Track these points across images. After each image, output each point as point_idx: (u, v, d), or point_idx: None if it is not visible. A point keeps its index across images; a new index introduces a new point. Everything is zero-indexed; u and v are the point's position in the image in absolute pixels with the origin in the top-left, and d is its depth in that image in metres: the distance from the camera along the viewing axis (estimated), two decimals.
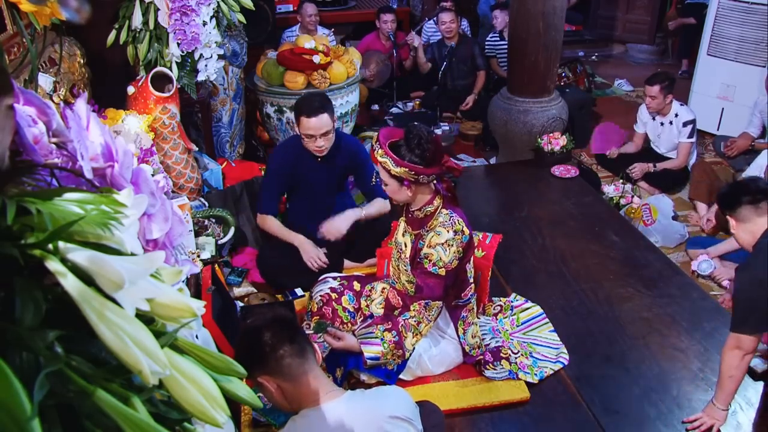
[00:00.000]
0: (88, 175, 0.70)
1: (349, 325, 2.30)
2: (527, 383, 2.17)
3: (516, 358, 2.23)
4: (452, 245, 1.97)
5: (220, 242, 2.73)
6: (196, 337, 0.78)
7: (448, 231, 1.98)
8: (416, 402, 1.59)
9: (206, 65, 2.93)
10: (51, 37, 2.25)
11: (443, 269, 1.98)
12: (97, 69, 2.65)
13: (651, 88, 3.92)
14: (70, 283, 0.54)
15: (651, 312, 2.58)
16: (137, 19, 2.70)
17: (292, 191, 2.90)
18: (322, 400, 1.44)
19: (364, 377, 2.10)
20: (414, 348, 2.08)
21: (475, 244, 2.45)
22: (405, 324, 2.03)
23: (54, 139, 0.72)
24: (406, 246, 2.14)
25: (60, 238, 0.55)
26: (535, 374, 2.20)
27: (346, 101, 3.77)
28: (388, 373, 2.07)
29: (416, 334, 2.04)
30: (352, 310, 2.34)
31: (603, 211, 3.45)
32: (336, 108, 3.67)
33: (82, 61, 2.48)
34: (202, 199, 2.94)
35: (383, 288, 2.34)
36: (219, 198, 3.04)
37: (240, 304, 2.66)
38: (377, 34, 5.37)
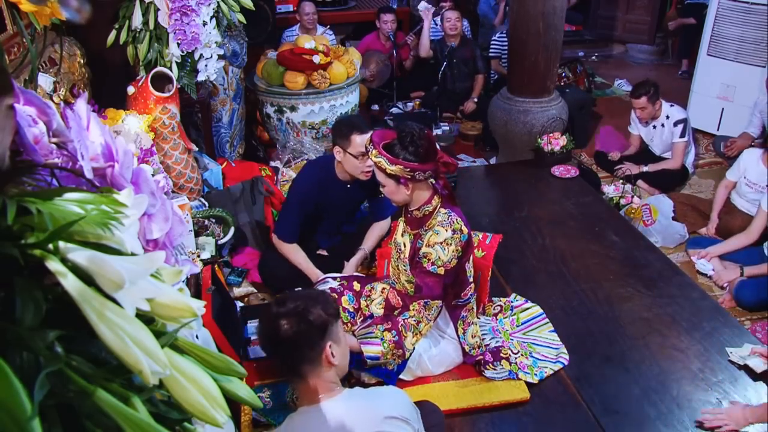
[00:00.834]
0: (88, 175, 0.70)
1: (349, 325, 2.30)
2: (527, 383, 2.17)
3: (516, 358, 2.23)
4: (451, 244, 1.97)
5: (220, 242, 2.73)
6: (196, 337, 0.78)
7: (446, 230, 1.98)
8: (416, 402, 1.59)
9: (206, 65, 2.93)
10: (51, 37, 2.25)
11: (442, 268, 1.98)
12: (97, 69, 2.65)
13: (638, 101, 3.93)
14: (70, 283, 0.54)
15: (651, 312, 2.58)
16: (137, 19, 2.70)
17: (310, 214, 2.79)
18: (321, 398, 1.45)
19: (364, 377, 2.10)
20: (414, 348, 2.08)
21: (475, 244, 2.45)
22: (405, 324, 2.03)
23: (54, 139, 0.72)
24: (405, 246, 2.14)
25: (60, 238, 0.55)
26: (535, 374, 2.20)
27: (346, 101, 3.77)
28: (388, 373, 2.07)
29: (416, 334, 2.04)
30: (352, 310, 2.34)
31: (603, 211, 3.45)
32: (336, 108, 3.69)
33: (82, 61, 2.48)
34: (202, 199, 2.94)
35: (383, 288, 2.34)
36: (219, 198, 3.04)
37: (240, 304, 2.66)
38: (377, 34, 5.37)
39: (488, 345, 2.27)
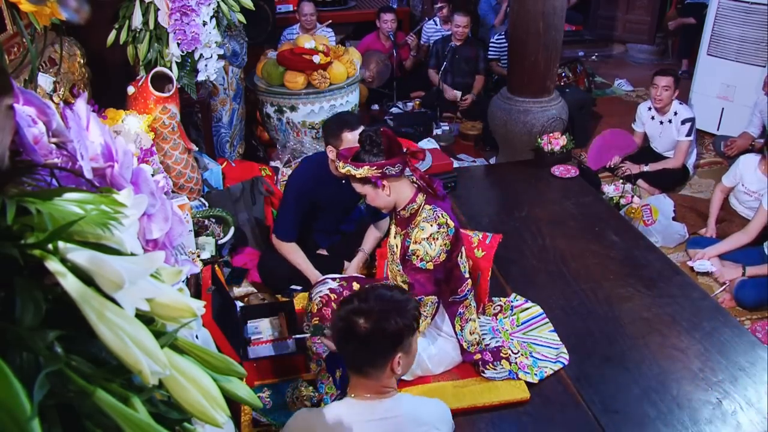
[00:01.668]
0: (88, 175, 0.70)
1: None
2: (527, 383, 2.17)
3: (516, 358, 2.23)
4: (437, 238, 1.98)
5: (220, 242, 2.72)
6: (196, 337, 0.78)
7: (431, 225, 1.99)
8: None
9: (206, 65, 2.93)
10: (51, 37, 2.25)
11: (431, 263, 1.98)
12: (97, 69, 2.65)
13: (663, 78, 3.89)
14: (70, 283, 0.54)
15: (651, 312, 2.58)
16: (137, 19, 2.70)
17: (307, 212, 2.81)
18: (373, 397, 1.47)
19: None
20: None
21: (475, 244, 2.45)
22: None
23: (54, 139, 0.72)
24: (397, 247, 2.15)
25: (60, 238, 0.55)
26: (535, 374, 2.20)
27: (346, 101, 3.77)
28: None
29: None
30: None
31: (603, 211, 3.45)
32: (336, 108, 3.68)
33: (82, 61, 2.48)
34: (202, 199, 2.94)
35: (389, 275, 2.35)
36: (219, 198, 3.04)
37: (240, 304, 2.66)
38: (377, 34, 5.37)
39: (488, 345, 2.27)
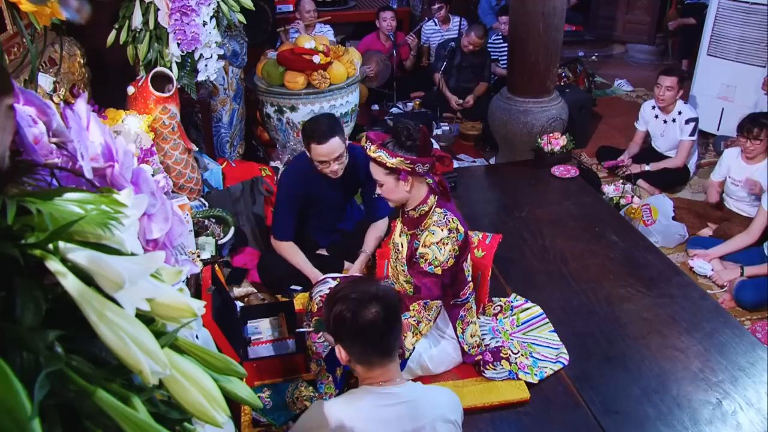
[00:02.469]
0: (88, 175, 0.70)
1: None
2: (527, 383, 2.17)
3: (516, 358, 2.23)
4: (447, 243, 1.97)
5: (220, 242, 2.72)
6: (196, 337, 0.78)
7: (442, 229, 1.98)
8: None
9: (206, 65, 2.93)
10: (51, 37, 2.25)
11: (439, 268, 1.98)
12: (97, 69, 2.65)
13: (668, 78, 3.89)
14: (70, 283, 0.54)
15: (651, 312, 2.58)
16: (137, 19, 2.70)
17: (303, 210, 2.81)
18: (389, 383, 1.49)
19: None
20: (414, 347, 2.08)
21: (475, 244, 2.45)
22: (405, 324, 2.02)
23: (54, 139, 0.72)
24: (402, 246, 2.14)
25: (60, 238, 0.55)
26: (535, 374, 2.20)
27: (346, 101, 3.77)
28: None
29: (416, 334, 2.03)
30: None
31: (603, 211, 3.45)
32: (336, 108, 3.68)
33: (82, 61, 2.48)
34: (202, 199, 2.94)
35: (392, 274, 2.35)
36: (219, 198, 3.04)
37: (240, 304, 2.67)
38: (377, 34, 5.37)
39: (488, 345, 2.27)
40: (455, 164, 3.91)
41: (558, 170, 3.83)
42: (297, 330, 2.35)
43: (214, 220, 2.76)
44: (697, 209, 3.67)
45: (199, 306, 0.63)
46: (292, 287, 2.75)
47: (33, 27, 1.69)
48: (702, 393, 2.17)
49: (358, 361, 1.50)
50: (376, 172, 1.99)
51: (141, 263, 0.59)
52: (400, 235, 2.17)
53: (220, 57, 3.00)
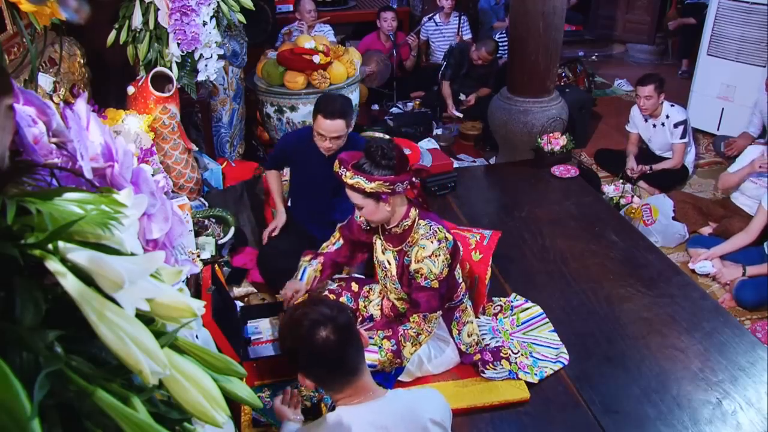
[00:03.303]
0: (88, 175, 0.70)
1: None
2: (527, 383, 2.17)
3: (516, 358, 2.23)
4: (439, 255, 1.94)
5: (220, 242, 2.73)
6: (196, 337, 0.78)
7: (432, 242, 1.95)
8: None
9: (206, 65, 2.93)
10: (51, 37, 2.25)
11: (436, 281, 1.95)
12: (97, 69, 2.65)
13: (644, 88, 3.89)
14: (70, 283, 0.54)
15: (651, 312, 2.58)
16: (137, 19, 2.70)
17: (295, 188, 2.95)
18: (368, 398, 1.45)
19: None
20: (412, 356, 2.08)
21: (473, 246, 2.44)
22: (404, 334, 2.02)
23: (54, 139, 0.72)
24: (390, 263, 2.10)
25: (60, 238, 0.55)
26: (535, 374, 2.20)
27: None
28: (386, 376, 2.07)
29: (415, 344, 2.03)
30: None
31: (603, 211, 3.45)
32: None
33: (82, 61, 2.48)
34: (202, 199, 2.94)
35: (381, 289, 2.34)
36: (219, 198, 3.04)
37: (240, 304, 2.66)
38: (377, 34, 5.37)
39: (488, 345, 2.27)
40: (455, 164, 3.91)
41: (558, 170, 3.83)
42: None
43: (214, 220, 2.76)
44: (700, 205, 3.65)
45: (199, 306, 0.63)
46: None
47: (33, 27, 1.69)
48: (702, 393, 2.17)
49: (323, 386, 1.47)
50: (354, 197, 1.93)
51: (141, 263, 0.59)
52: (383, 253, 2.12)
53: (220, 57, 3.00)
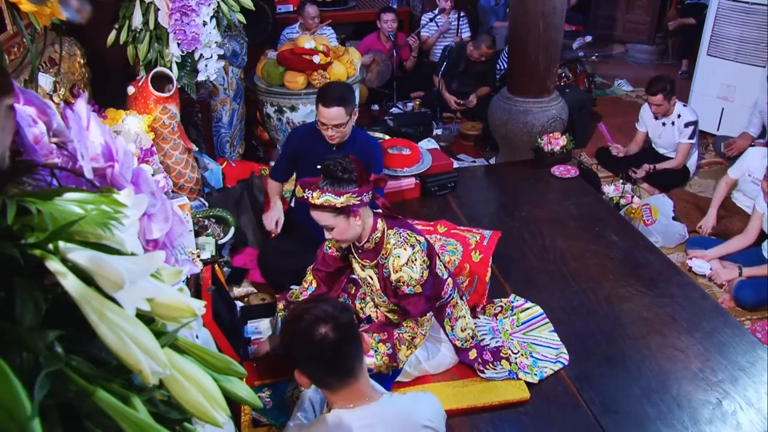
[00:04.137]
0: (89, 175, 0.70)
1: None
2: (527, 383, 2.17)
3: (516, 358, 2.23)
4: (416, 259, 1.94)
5: (220, 242, 2.72)
6: (197, 337, 0.78)
7: (405, 249, 1.95)
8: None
9: (206, 65, 2.93)
10: (51, 37, 2.25)
11: (418, 286, 1.96)
12: (97, 69, 2.65)
13: (654, 98, 3.90)
14: (70, 283, 0.54)
15: (651, 312, 2.58)
16: (137, 19, 2.70)
17: (301, 170, 2.92)
18: (364, 401, 1.44)
19: None
20: (407, 359, 2.09)
21: (473, 246, 2.45)
22: (399, 338, 2.03)
23: (54, 139, 0.72)
24: (372, 279, 2.10)
25: (60, 238, 0.55)
26: (535, 374, 2.20)
27: None
28: (383, 378, 2.07)
29: (410, 347, 2.05)
30: None
31: (603, 211, 3.45)
32: None
33: (82, 61, 2.48)
34: (202, 199, 2.94)
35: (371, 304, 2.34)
36: (219, 198, 3.04)
37: (240, 304, 2.66)
38: (378, 34, 5.37)
39: (488, 345, 2.27)
40: (455, 164, 3.92)
41: (558, 170, 3.83)
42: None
43: (214, 220, 2.76)
44: (703, 205, 3.65)
45: (199, 306, 0.63)
46: (293, 287, 2.75)
47: (33, 27, 1.69)
48: (702, 393, 2.17)
49: (319, 384, 1.46)
50: (325, 218, 1.92)
51: (141, 263, 0.59)
52: (363, 270, 2.12)
53: (220, 57, 3.00)
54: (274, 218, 2.80)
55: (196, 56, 2.87)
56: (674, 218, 3.53)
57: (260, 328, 2.47)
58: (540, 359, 2.27)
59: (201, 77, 2.95)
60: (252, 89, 3.88)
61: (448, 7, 5.52)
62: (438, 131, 4.90)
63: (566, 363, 2.28)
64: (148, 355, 0.54)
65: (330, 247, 2.19)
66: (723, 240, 3.34)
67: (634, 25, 7.00)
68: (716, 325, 2.49)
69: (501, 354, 2.22)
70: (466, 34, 5.69)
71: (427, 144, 4.17)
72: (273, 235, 2.82)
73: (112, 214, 0.61)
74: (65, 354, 0.53)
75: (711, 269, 3.18)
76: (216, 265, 2.39)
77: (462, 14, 5.70)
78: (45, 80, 2.05)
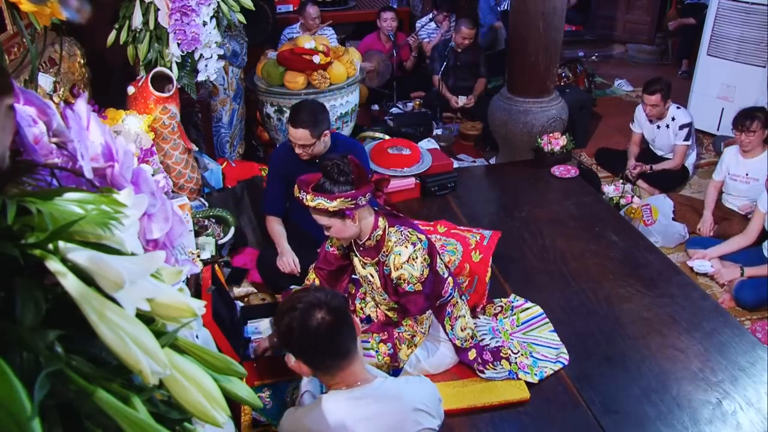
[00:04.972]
0: (89, 175, 0.70)
1: None
2: (527, 383, 2.17)
3: (516, 358, 2.23)
4: (417, 257, 1.95)
5: (220, 242, 2.72)
6: (197, 337, 0.78)
7: (406, 246, 1.95)
8: None
9: (206, 65, 2.93)
10: (51, 37, 2.25)
11: (419, 284, 1.96)
12: (97, 69, 2.65)
13: (651, 98, 3.89)
14: (70, 283, 0.54)
15: (651, 312, 2.58)
16: (137, 19, 2.70)
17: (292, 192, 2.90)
18: (358, 384, 1.48)
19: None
20: (408, 358, 2.09)
21: (473, 246, 2.44)
22: (399, 337, 2.04)
23: (54, 139, 0.72)
24: (372, 277, 2.10)
25: (60, 238, 0.55)
26: (535, 374, 2.20)
27: (346, 101, 3.76)
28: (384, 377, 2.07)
29: (410, 346, 2.05)
30: None
31: (603, 211, 3.45)
32: (336, 108, 3.68)
33: (82, 61, 2.48)
34: (202, 199, 2.94)
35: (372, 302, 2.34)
36: (219, 198, 3.04)
37: (240, 304, 2.66)
38: (377, 34, 5.37)
39: (488, 345, 2.27)
40: (455, 164, 3.92)
41: (558, 170, 3.83)
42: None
43: (214, 220, 2.76)
44: (699, 207, 3.67)
45: (199, 306, 0.63)
46: (292, 286, 2.76)
47: (33, 27, 1.69)
48: (702, 393, 2.17)
49: (317, 369, 1.48)
50: (320, 217, 1.93)
51: (141, 263, 0.59)
52: (364, 268, 2.12)
53: (220, 57, 3.00)
54: (288, 262, 2.71)
55: (196, 56, 2.87)
56: (674, 218, 3.54)
57: (260, 328, 2.47)
58: (540, 359, 2.27)
59: (201, 77, 2.95)
60: (252, 89, 3.88)
61: (442, 18, 5.54)
62: (438, 131, 4.90)
63: (566, 363, 2.28)
64: (148, 355, 0.54)
65: (331, 245, 2.19)
66: (723, 241, 3.34)
67: (634, 25, 7.00)
68: (716, 325, 2.49)
69: (501, 354, 2.22)
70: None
71: (427, 144, 4.17)
72: (294, 272, 2.73)
73: (112, 214, 0.61)
74: (65, 354, 0.53)
75: (713, 267, 3.18)
76: (216, 265, 2.39)
77: (452, 18, 5.69)
78: (45, 80, 2.05)
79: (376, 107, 5.31)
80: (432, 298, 2.07)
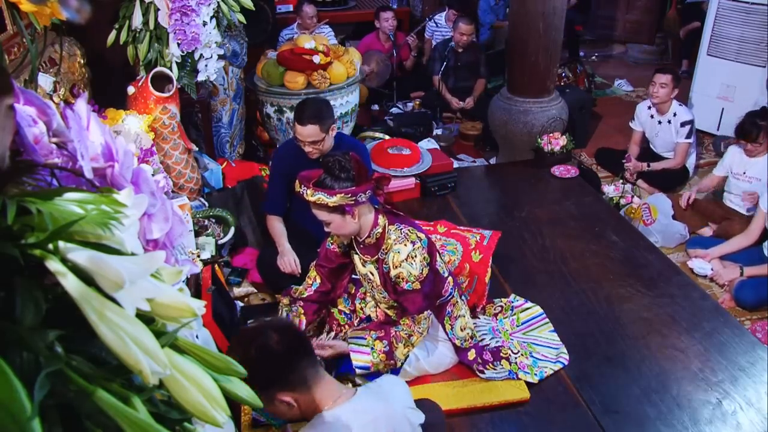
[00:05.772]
0: (89, 175, 0.70)
1: (347, 327, 2.30)
2: (527, 383, 2.17)
3: (516, 358, 2.23)
4: (416, 256, 1.95)
5: (220, 242, 2.73)
6: (197, 337, 0.78)
7: (405, 245, 1.96)
8: (415, 400, 1.61)
9: (206, 65, 2.93)
10: (51, 37, 2.25)
11: (417, 282, 1.96)
12: (97, 69, 2.65)
13: (662, 76, 3.88)
14: (70, 283, 0.54)
15: (651, 312, 2.58)
16: (137, 19, 2.70)
17: (293, 191, 2.91)
18: (337, 402, 1.42)
19: (359, 381, 2.10)
20: (405, 357, 2.08)
21: (473, 246, 2.44)
22: (396, 335, 2.03)
23: (54, 139, 0.72)
24: (373, 275, 2.10)
25: (60, 238, 0.55)
26: (535, 374, 2.20)
27: (346, 101, 3.77)
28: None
29: (407, 345, 2.04)
30: (348, 312, 2.34)
31: (603, 211, 3.45)
32: (336, 108, 3.68)
33: (82, 61, 2.48)
34: (202, 199, 2.94)
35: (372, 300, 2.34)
36: (219, 198, 3.04)
37: (240, 304, 2.67)
38: (377, 34, 5.37)
39: (488, 345, 2.27)
40: (455, 164, 3.92)
41: (558, 170, 3.83)
42: None
43: (214, 220, 2.76)
44: (699, 207, 3.67)
45: (199, 306, 0.63)
46: (293, 286, 2.75)
47: (33, 27, 1.69)
48: (702, 393, 2.17)
49: (295, 391, 1.41)
50: (320, 213, 1.94)
51: (141, 263, 0.59)
52: (364, 266, 2.12)
53: (220, 57, 3.01)
54: (289, 261, 2.69)
55: (196, 56, 2.87)
56: (674, 217, 3.54)
57: None
58: (540, 359, 2.27)
59: (201, 77, 2.95)
60: (252, 89, 3.88)
61: (452, 13, 5.54)
62: (438, 131, 4.90)
63: (566, 363, 2.28)
64: (148, 355, 0.54)
65: (332, 243, 2.19)
66: (724, 241, 3.34)
67: (634, 25, 7.00)
68: (716, 325, 2.49)
69: (501, 354, 2.22)
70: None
71: (427, 144, 4.17)
72: (294, 272, 2.72)
73: (112, 214, 0.61)
74: (65, 354, 0.53)
75: (712, 269, 3.18)
76: (216, 265, 2.39)
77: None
78: (45, 80, 2.05)
79: (376, 107, 5.30)
80: (432, 298, 2.07)
